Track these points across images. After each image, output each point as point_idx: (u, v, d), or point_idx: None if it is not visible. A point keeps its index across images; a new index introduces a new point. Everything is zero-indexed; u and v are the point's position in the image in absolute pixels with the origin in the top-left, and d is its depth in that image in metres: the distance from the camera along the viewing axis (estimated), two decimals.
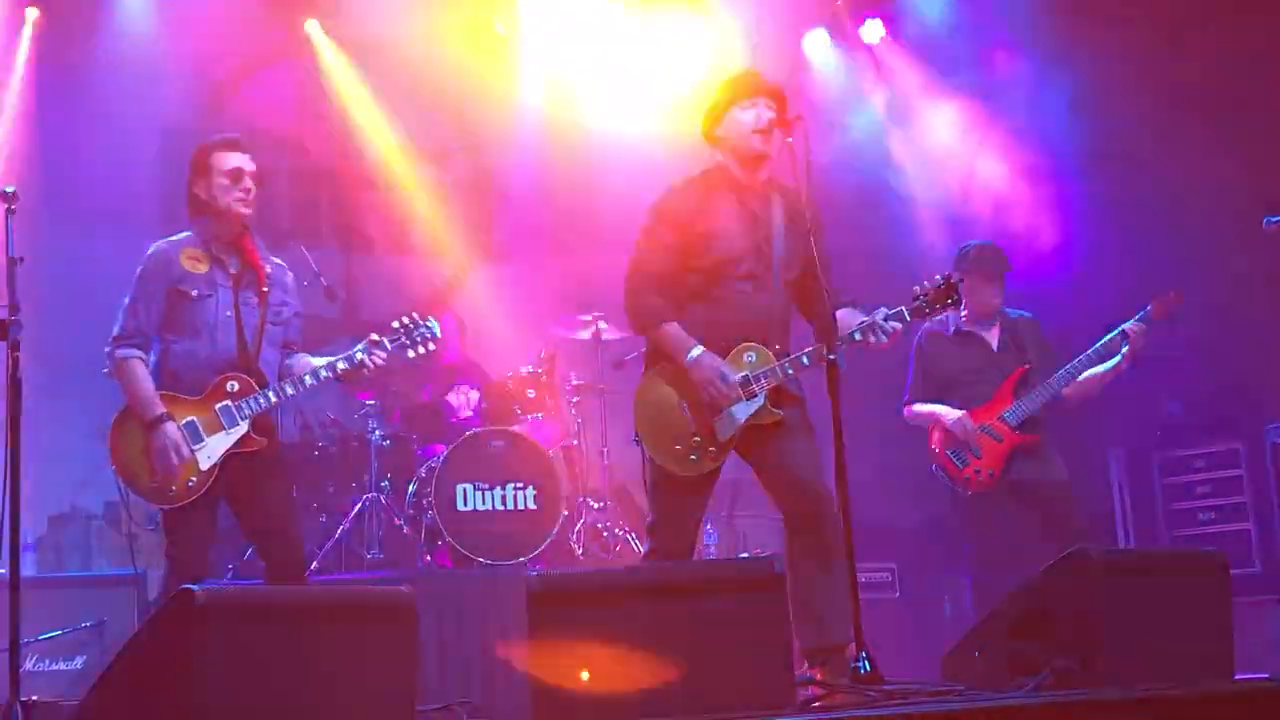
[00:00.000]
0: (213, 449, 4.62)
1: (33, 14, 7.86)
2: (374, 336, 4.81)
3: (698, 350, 4.53)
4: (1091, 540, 6.10)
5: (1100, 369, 5.96)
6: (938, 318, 6.18)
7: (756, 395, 4.55)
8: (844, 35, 9.18)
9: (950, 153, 8.70)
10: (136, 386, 4.66)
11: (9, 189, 4.21)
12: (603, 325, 7.39)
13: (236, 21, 8.25)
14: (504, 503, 6.66)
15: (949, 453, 5.99)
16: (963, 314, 6.16)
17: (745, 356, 4.57)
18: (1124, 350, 5.89)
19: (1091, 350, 5.94)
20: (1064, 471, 6.04)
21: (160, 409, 4.60)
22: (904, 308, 4.57)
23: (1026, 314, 6.26)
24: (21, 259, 4.18)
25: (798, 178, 4.39)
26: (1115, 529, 7.30)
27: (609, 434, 7.38)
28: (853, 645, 4.08)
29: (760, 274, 4.63)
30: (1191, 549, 6.34)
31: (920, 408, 6.15)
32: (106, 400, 7.67)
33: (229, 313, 4.72)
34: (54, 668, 5.83)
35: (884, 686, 3.89)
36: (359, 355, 4.76)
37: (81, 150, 7.77)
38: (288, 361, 4.86)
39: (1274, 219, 5.70)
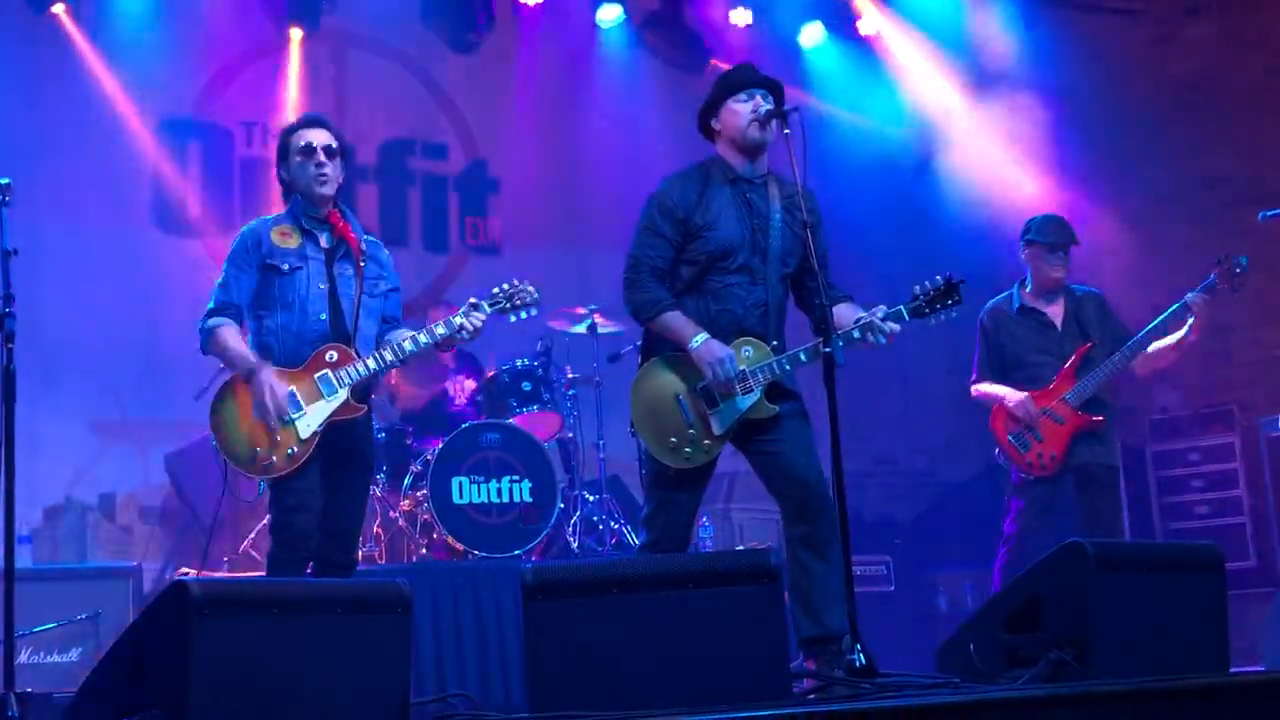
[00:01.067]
0: (312, 418, 4.56)
1: (60, 8, 7.82)
2: (472, 300, 4.78)
3: (702, 336, 4.52)
4: (1122, 531, 6.10)
5: (1167, 341, 5.85)
6: (1002, 295, 6.15)
7: (753, 390, 4.55)
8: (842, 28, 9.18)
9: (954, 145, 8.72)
10: (228, 348, 4.63)
11: (3, 181, 4.20)
12: (599, 318, 7.39)
13: (234, 13, 8.24)
14: (499, 495, 6.65)
15: (1011, 437, 5.88)
16: (1026, 289, 6.11)
17: (742, 351, 4.56)
18: (1190, 322, 5.78)
19: (1152, 325, 5.83)
20: (1118, 457, 6.00)
21: (255, 360, 4.58)
22: (902, 307, 4.55)
23: (1093, 289, 6.15)
24: (15, 250, 4.18)
25: (794, 170, 4.40)
26: None
27: (604, 427, 7.38)
28: (848, 637, 4.09)
29: (756, 267, 4.62)
30: (1186, 542, 6.34)
31: (984, 387, 6.04)
32: (101, 393, 7.73)
33: (322, 285, 4.69)
34: (49, 660, 5.82)
35: (879, 679, 3.89)
36: (457, 320, 4.71)
37: (76, 141, 7.74)
38: (386, 336, 4.81)
39: (1269, 213, 5.70)
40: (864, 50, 9.16)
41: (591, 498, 7.20)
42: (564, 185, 8.96)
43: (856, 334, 4.50)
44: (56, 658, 5.85)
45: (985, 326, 6.10)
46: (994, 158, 8.50)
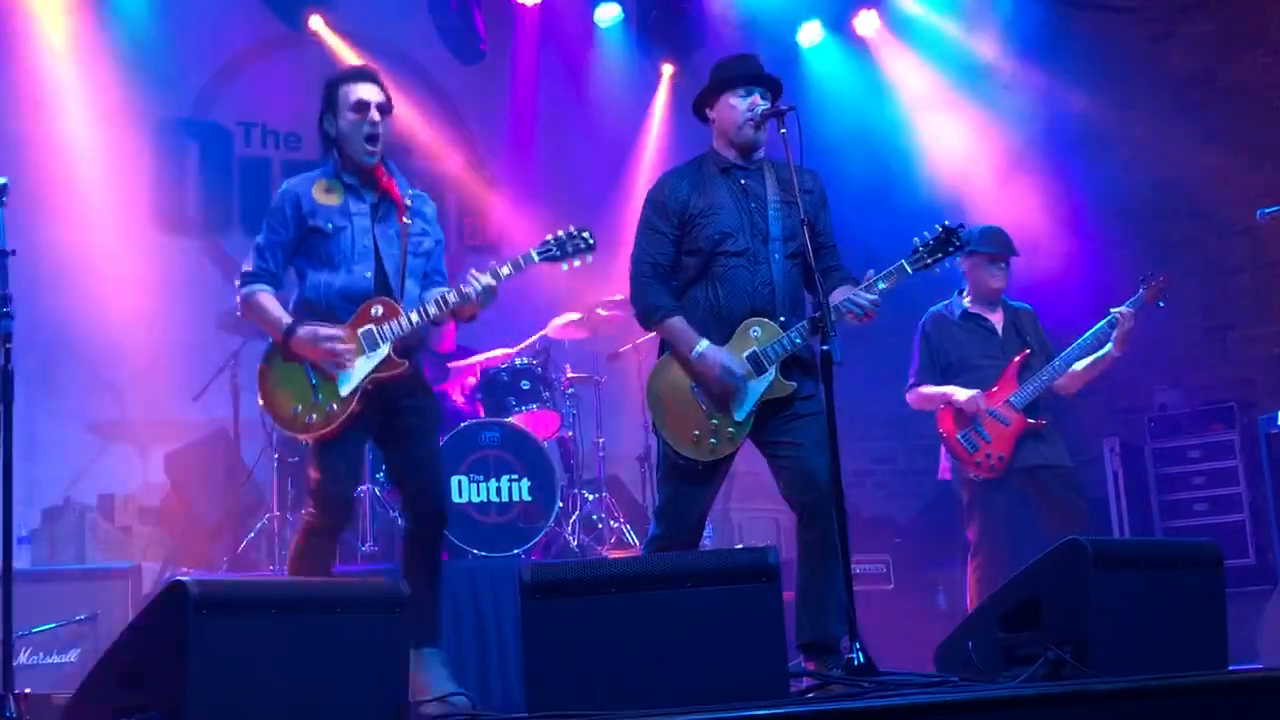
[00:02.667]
0: (354, 374, 4.46)
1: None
2: (519, 255, 4.67)
3: (702, 345, 4.52)
4: (1092, 527, 6.13)
5: (1091, 358, 5.95)
6: (941, 304, 6.19)
7: (767, 370, 4.53)
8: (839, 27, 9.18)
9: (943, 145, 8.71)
10: (265, 313, 4.55)
11: (0, 181, 4.20)
12: (600, 312, 7.37)
13: (233, 13, 8.24)
14: (499, 494, 6.65)
15: (959, 437, 5.95)
16: (966, 298, 6.16)
17: (750, 332, 4.55)
18: (1113, 335, 5.88)
19: (1086, 337, 5.93)
20: (1068, 457, 6.04)
21: (289, 320, 4.50)
22: (904, 261, 4.54)
23: (1025, 305, 6.27)
24: (13, 251, 4.17)
25: (791, 167, 4.40)
26: (1109, 519, 7.31)
27: (604, 426, 7.38)
28: (847, 636, 4.09)
29: (758, 249, 4.60)
30: (1185, 540, 6.34)
31: (928, 389, 6.09)
32: (100, 393, 7.73)
33: (366, 242, 4.57)
34: (48, 661, 5.82)
35: (878, 677, 3.89)
36: (505, 270, 4.61)
37: (75, 140, 7.73)
38: (425, 292, 4.67)
39: (1267, 210, 5.71)
40: (861, 49, 9.16)
41: (590, 497, 7.20)
42: (562, 185, 8.96)
43: (844, 307, 4.48)
44: (55, 658, 5.85)
45: (928, 332, 6.18)
46: (989, 159, 8.49)
